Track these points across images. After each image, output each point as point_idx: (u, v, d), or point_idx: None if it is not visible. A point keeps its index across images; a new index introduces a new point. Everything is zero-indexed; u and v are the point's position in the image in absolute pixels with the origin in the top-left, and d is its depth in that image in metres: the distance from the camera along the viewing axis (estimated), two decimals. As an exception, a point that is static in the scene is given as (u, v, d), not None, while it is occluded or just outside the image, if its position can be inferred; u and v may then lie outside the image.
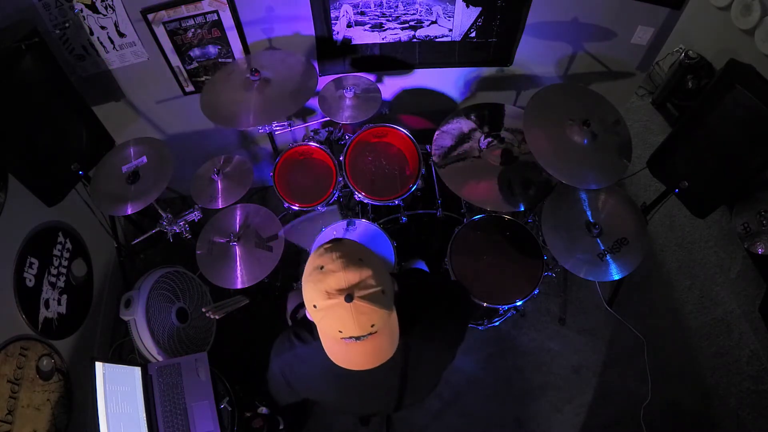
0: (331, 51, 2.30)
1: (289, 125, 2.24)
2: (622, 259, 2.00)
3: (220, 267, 2.05)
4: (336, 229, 2.16)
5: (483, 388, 2.44)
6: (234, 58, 2.25)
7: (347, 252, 0.98)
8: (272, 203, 2.82)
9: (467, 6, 2.15)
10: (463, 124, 2.30)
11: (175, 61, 2.23)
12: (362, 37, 2.26)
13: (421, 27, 2.24)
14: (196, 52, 2.21)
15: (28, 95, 1.83)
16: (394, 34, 2.26)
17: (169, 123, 2.58)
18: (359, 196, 2.21)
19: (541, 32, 2.28)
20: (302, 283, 1.00)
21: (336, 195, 2.24)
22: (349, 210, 2.62)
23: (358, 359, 1.01)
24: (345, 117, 2.20)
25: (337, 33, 2.24)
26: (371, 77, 2.41)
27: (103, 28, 2.05)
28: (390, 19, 2.20)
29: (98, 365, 1.82)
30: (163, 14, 2.04)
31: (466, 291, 1.48)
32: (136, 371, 1.93)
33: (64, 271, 2.24)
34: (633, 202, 2.12)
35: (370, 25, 2.22)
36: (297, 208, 2.21)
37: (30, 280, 2.02)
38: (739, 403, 2.32)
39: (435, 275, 2.19)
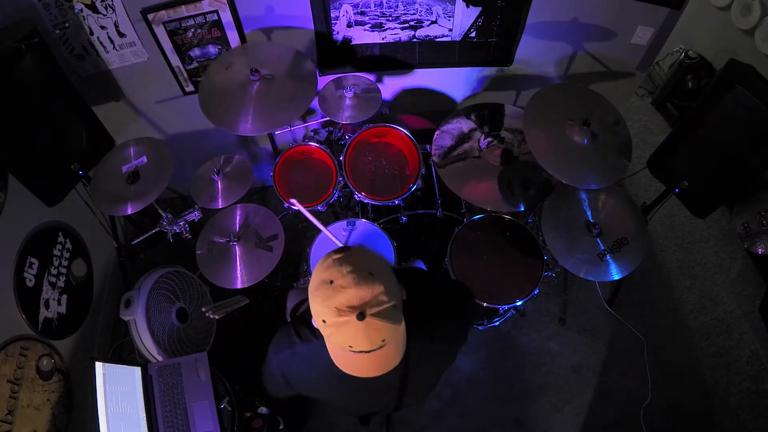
0: (331, 51, 2.30)
1: (289, 125, 2.24)
2: (622, 259, 2.00)
3: (220, 267, 2.05)
4: (336, 229, 2.16)
5: (483, 388, 2.44)
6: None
7: (358, 265, 0.95)
8: (272, 203, 2.82)
9: (467, 6, 2.15)
10: (463, 124, 2.30)
11: (175, 61, 2.23)
12: (362, 37, 2.26)
13: (421, 27, 2.23)
14: (196, 52, 2.21)
15: (28, 95, 1.83)
16: (394, 34, 2.26)
17: (169, 123, 2.58)
18: (359, 196, 2.21)
19: (541, 32, 2.28)
20: (309, 295, 0.98)
21: (336, 195, 2.24)
22: (349, 210, 2.62)
23: (364, 368, 1.01)
24: (345, 117, 2.20)
25: (337, 33, 2.24)
26: (371, 77, 2.41)
27: (103, 28, 2.05)
28: (390, 19, 2.20)
29: (98, 365, 1.82)
30: (163, 14, 2.04)
31: (469, 291, 1.47)
32: (136, 371, 1.92)
33: (64, 271, 2.24)
34: (633, 202, 2.12)
35: (370, 25, 2.22)
36: (297, 208, 2.20)
37: (30, 280, 2.02)
38: (739, 403, 2.32)
39: (435, 275, 2.19)
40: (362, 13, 2.17)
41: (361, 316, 0.90)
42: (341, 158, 2.24)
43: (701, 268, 2.69)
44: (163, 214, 2.17)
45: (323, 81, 2.32)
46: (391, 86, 2.57)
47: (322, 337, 1.04)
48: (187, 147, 2.60)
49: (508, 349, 2.54)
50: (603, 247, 2.01)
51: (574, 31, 2.28)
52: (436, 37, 2.28)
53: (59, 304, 2.17)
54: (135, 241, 2.29)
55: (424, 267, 1.96)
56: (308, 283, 1.00)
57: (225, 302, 1.98)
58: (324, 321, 0.95)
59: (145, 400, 1.87)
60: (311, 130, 2.58)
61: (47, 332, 2.06)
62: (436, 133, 2.28)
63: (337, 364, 1.02)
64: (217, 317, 1.90)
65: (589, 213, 2.07)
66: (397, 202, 2.24)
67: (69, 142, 2.04)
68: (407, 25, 2.22)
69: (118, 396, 1.81)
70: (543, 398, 2.42)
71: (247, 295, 2.05)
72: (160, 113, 2.51)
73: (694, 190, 1.97)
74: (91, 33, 2.06)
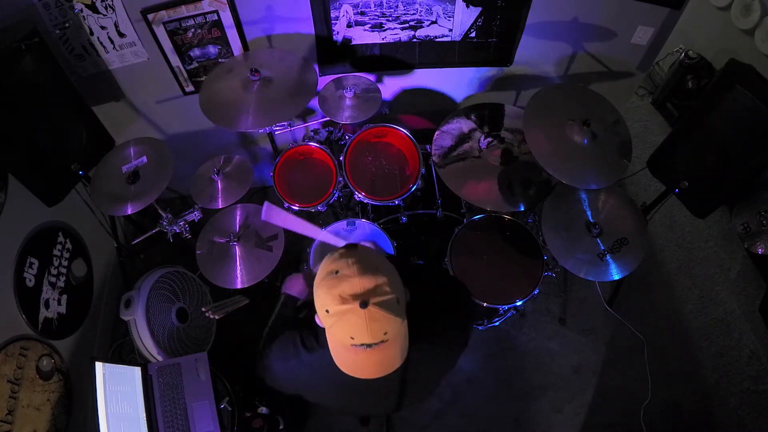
0: (331, 51, 2.30)
1: (289, 125, 2.25)
2: (622, 259, 2.00)
3: (220, 267, 2.05)
4: (336, 229, 2.16)
5: (483, 388, 2.44)
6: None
7: (363, 258, 0.97)
8: (272, 203, 2.82)
9: (467, 6, 2.15)
10: (463, 124, 2.30)
11: (175, 61, 2.23)
12: (362, 37, 2.26)
13: (421, 27, 2.23)
14: (196, 52, 2.21)
15: (28, 95, 1.83)
16: (394, 34, 2.26)
17: (169, 123, 2.58)
18: (359, 196, 2.21)
19: (541, 32, 2.28)
20: (314, 288, 1.00)
21: (336, 195, 2.24)
22: (349, 210, 2.62)
23: (366, 368, 1.01)
24: (345, 117, 2.20)
25: (337, 33, 2.24)
26: (371, 77, 2.41)
27: (103, 28, 2.05)
28: (390, 19, 2.20)
29: (98, 365, 1.82)
30: (163, 14, 2.04)
31: (468, 292, 1.47)
32: (136, 371, 1.92)
33: (64, 271, 2.24)
34: (633, 202, 2.12)
35: (370, 25, 2.22)
36: (297, 208, 2.21)
37: (30, 280, 2.02)
38: (739, 403, 2.32)
39: (436, 275, 2.19)
40: (362, 13, 2.17)
41: (363, 305, 0.91)
42: (341, 158, 2.24)
43: (701, 268, 2.69)
44: (163, 214, 2.17)
45: (323, 81, 2.32)
46: (391, 86, 2.57)
47: (326, 344, 1.04)
48: (187, 147, 2.60)
49: (508, 349, 2.54)
50: (603, 247, 2.01)
51: (574, 31, 2.28)
52: (436, 37, 2.28)
53: (59, 304, 2.17)
54: (135, 241, 2.30)
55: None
56: (309, 269, 1.01)
57: (225, 302, 1.98)
58: (327, 311, 0.95)
59: (145, 400, 1.87)
60: (311, 130, 2.58)
61: (47, 332, 2.06)
62: (436, 133, 2.28)
63: (339, 365, 1.02)
64: (217, 317, 1.90)
65: (589, 213, 2.07)
66: (397, 202, 2.24)
67: (69, 142, 2.04)
68: (407, 25, 2.22)
69: (118, 396, 1.81)
70: (543, 398, 2.42)
71: (247, 295, 2.05)
72: (160, 113, 2.51)
73: (694, 190, 1.97)
74: (91, 33, 2.06)
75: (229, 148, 2.75)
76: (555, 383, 2.45)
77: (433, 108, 2.66)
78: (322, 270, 1.00)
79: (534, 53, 2.38)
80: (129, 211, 1.96)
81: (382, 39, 2.28)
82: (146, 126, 2.54)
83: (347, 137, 2.33)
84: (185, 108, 2.44)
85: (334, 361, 1.03)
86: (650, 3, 2.11)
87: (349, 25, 2.21)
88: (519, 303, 2.06)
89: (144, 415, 1.83)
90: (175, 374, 1.94)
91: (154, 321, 2.09)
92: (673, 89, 3.03)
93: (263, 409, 2.06)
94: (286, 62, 2.13)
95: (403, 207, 2.34)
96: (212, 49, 2.22)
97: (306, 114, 2.63)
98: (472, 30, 2.25)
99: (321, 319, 1.00)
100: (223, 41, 2.18)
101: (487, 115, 2.32)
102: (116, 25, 2.05)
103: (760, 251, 2.13)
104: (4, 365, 1.79)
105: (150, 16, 2.03)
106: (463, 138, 2.26)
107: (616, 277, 1.99)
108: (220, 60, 2.25)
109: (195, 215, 2.20)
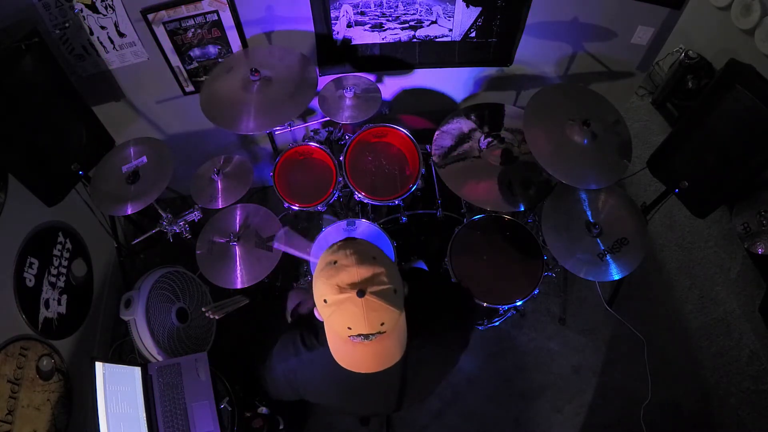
0: (331, 51, 2.30)
1: (289, 125, 2.24)
2: (622, 259, 2.00)
3: (220, 267, 2.05)
4: (336, 229, 2.16)
5: (483, 388, 2.44)
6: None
7: (361, 249, 0.98)
8: (272, 203, 2.82)
9: (467, 6, 2.15)
10: (463, 124, 2.30)
11: (175, 61, 2.23)
12: (362, 37, 2.26)
13: (421, 27, 2.23)
14: (196, 52, 2.21)
15: (28, 95, 1.83)
16: (394, 34, 2.26)
17: (169, 123, 2.58)
18: (359, 196, 2.21)
19: (541, 32, 2.28)
20: (313, 279, 1.00)
21: (336, 195, 2.24)
22: (349, 210, 2.62)
23: (364, 361, 1.01)
24: (345, 117, 2.20)
25: (337, 33, 2.24)
26: (371, 77, 2.41)
27: (103, 28, 2.05)
28: (390, 19, 2.20)
29: (98, 365, 1.82)
30: (163, 14, 2.04)
31: (470, 295, 1.47)
32: (136, 371, 1.92)
33: (64, 271, 2.24)
34: (633, 202, 2.12)
35: (370, 25, 2.22)
36: (297, 208, 2.21)
37: (30, 280, 2.02)
38: (739, 403, 2.32)
39: (436, 276, 2.19)
40: (362, 13, 2.17)
41: (360, 293, 0.91)
42: (341, 158, 2.24)
43: (701, 268, 2.68)
44: (163, 214, 2.17)
45: (323, 81, 2.32)
46: (391, 86, 2.57)
47: (326, 343, 1.04)
48: (187, 147, 2.60)
49: (508, 349, 2.54)
50: (603, 247, 2.01)
51: (574, 31, 2.28)
52: (436, 37, 2.28)
53: (59, 304, 2.17)
54: (135, 241, 2.29)
55: (425, 267, 1.96)
56: (308, 283, 1.01)
57: (225, 302, 1.98)
58: (325, 300, 0.96)
59: (145, 400, 1.87)
60: (311, 130, 2.58)
61: (47, 332, 2.06)
62: (436, 133, 2.28)
63: (337, 359, 1.02)
64: (217, 317, 1.90)
65: (589, 213, 2.07)
66: (397, 202, 2.24)
67: (69, 142, 2.04)
68: (407, 25, 2.22)
69: (118, 396, 1.81)
70: (543, 398, 2.42)
71: (247, 295, 2.05)
72: (160, 113, 2.51)
73: (694, 190, 1.97)
74: (91, 33, 2.06)
75: (229, 148, 2.75)
76: (555, 383, 2.45)
77: (433, 108, 2.66)
78: (320, 262, 1.00)
79: (534, 53, 2.38)
80: (129, 211, 1.96)
81: (382, 39, 2.28)
82: (146, 126, 2.54)
83: (347, 137, 2.33)
84: (185, 108, 2.44)
85: (333, 355, 1.03)
86: (650, 3, 2.11)
87: (349, 25, 2.21)
88: (519, 303, 2.06)
89: (144, 415, 1.83)
90: (175, 374, 1.94)
91: (154, 321, 2.09)
92: (673, 89, 3.03)
93: (263, 409, 2.06)
94: (286, 62, 2.13)
95: (403, 207, 2.34)
96: (212, 49, 2.22)
97: (306, 114, 2.63)
98: (472, 30, 2.25)
99: (319, 309, 1.00)
100: (223, 41, 2.18)
101: (487, 115, 2.32)
102: (116, 25, 2.05)
103: (760, 251, 2.13)
104: (4, 365, 1.79)
105: (150, 16, 2.03)
106: (463, 138, 2.26)
107: (616, 277, 1.99)
108: (219, 60, 2.25)
109: (195, 215, 2.20)
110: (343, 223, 2.18)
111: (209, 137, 2.62)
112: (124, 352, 2.45)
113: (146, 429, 1.81)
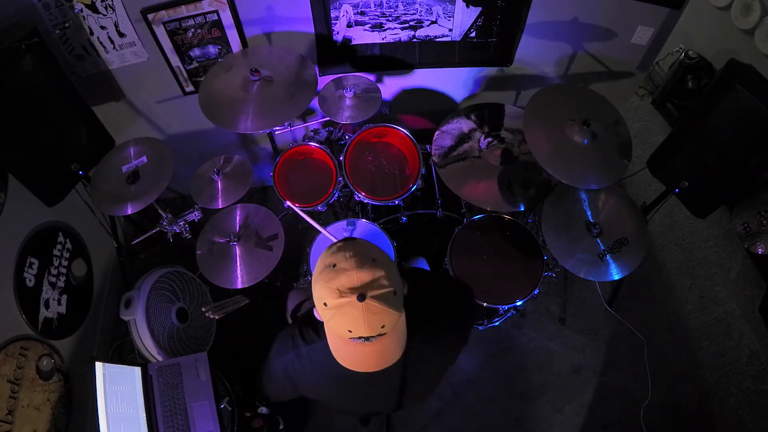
0: (331, 51, 2.30)
1: (289, 125, 2.24)
2: (622, 259, 2.00)
3: (220, 267, 2.05)
4: (336, 229, 2.16)
5: (483, 388, 2.44)
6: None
7: (361, 251, 0.97)
8: (272, 203, 2.82)
9: (467, 6, 2.15)
10: (463, 124, 2.30)
11: (175, 61, 2.23)
12: (362, 37, 2.26)
13: (421, 27, 2.23)
14: (196, 52, 2.21)
15: (28, 95, 1.83)
16: (394, 34, 2.26)
17: (169, 123, 2.58)
18: (359, 196, 2.21)
19: (541, 32, 2.28)
20: (312, 281, 1.00)
21: (336, 195, 2.24)
22: (349, 210, 2.62)
23: (364, 361, 1.01)
24: (345, 117, 2.20)
25: (337, 33, 2.24)
26: (371, 77, 2.41)
27: (103, 28, 2.05)
28: (390, 19, 2.20)
29: (98, 365, 1.82)
30: (163, 14, 2.04)
31: (470, 291, 1.47)
32: (136, 371, 1.92)
33: (64, 271, 2.24)
34: (633, 202, 2.12)
35: (370, 25, 2.22)
36: (297, 208, 2.20)
37: (30, 280, 2.02)
38: (739, 403, 2.32)
39: (437, 275, 2.19)
40: (362, 13, 2.17)
41: (361, 297, 0.91)
42: (341, 158, 2.24)
43: (701, 268, 2.69)
44: (163, 214, 2.17)
45: (323, 81, 2.32)
46: (391, 86, 2.57)
47: (325, 337, 1.04)
48: (187, 147, 2.60)
49: (508, 349, 2.54)
50: (603, 247, 2.01)
51: (574, 31, 2.28)
52: (436, 37, 2.28)
53: (59, 304, 2.17)
54: (135, 241, 2.30)
55: (426, 266, 1.96)
56: (308, 283, 1.01)
57: (225, 302, 1.98)
58: (325, 304, 0.95)
59: (145, 400, 1.87)
60: (311, 130, 2.58)
61: (47, 332, 2.06)
62: (436, 133, 2.28)
63: (337, 358, 1.02)
64: (217, 317, 1.90)
65: (589, 213, 2.07)
66: (397, 202, 2.24)
67: (69, 142, 2.04)
68: (407, 25, 2.22)
69: (118, 396, 1.81)
70: (543, 398, 2.42)
71: (247, 295, 2.05)
72: (160, 113, 2.51)
73: (694, 190, 1.97)
74: (91, 33, 2.06)
75: (229, 148, 2.75)
76: (555, 383, 2.45)
77: (433, 108, 2.66)
78: (319, 263, 1.00)
79: (534, 53, 2.38)
80: (129, 211, 1.96)
81: (382, 39, 2.28)
82: (146, 126, 2.54)
83: (347, 137, 2.33)
84: (185, 108, 2.44)
85: (334, 355, 1.03)
86: (650, 3, 2.11)
87: (349, 25, 2.21)
88: (519, 303, 2.06)
89: (144, 415, 1.83)
90: (175, 374, 1.94)
91: (154, 321, 2.09)
92: (673, 89, 3.03)
93: (263, 409, 2.06)
94: (286, 62, 2.13)
95: (403, 207, 2.34)
96: (212, 49, 2.22)
97: (306, 114, 2.63)
98: (472, 30, 2.25)
99: (319, 312, 1.00)
100: (223, 41, 2.19)
101: (487, 115, 2.32)
102: (116, 25, 2.05)
103: (760, 251, 2.13)
104: (4, 365, 1.79)
105: (150, 16, 2.03)
106: (463, 138, 2.26)
107: (616, 277, 1.99)
108: (220, 60, 2.25)
109: (195, 215, 2.20)
110: (342, 223, 2.18)
111: (209, 137, 2.62)
112: (124, 352, 2.45)
113: (146, 429, 1.80)
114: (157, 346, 2.06)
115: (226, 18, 2.10)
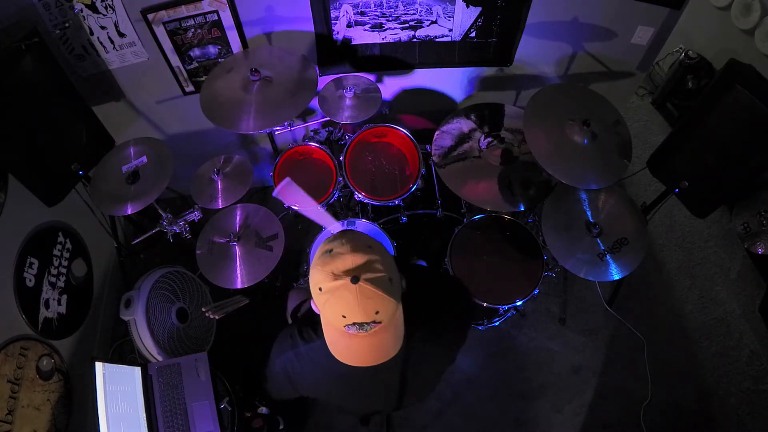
0: (331, 51, 2.30)
1: (289, 125, 2.24)
2: (622, 259, 2.00)
3: (220, 267, 2.05)
4: (336, 229, 2.16)
5: (483, 388, 2.44)
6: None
7: (357, 237, 0.99)
8: (272, 203, 2.82)
9: (467, 6, 2.15)
10: (463, 124, 2.30)
11: (175, 61, 2.23)
12: (362, 37, 2.26)
13: (421, 27, 2.23)
14: (196, 52, 2.21)
15: (28, 95, 1.83)
16: (394, 34, 2.26)
17: (169, 123, 2.58)
18: (359, 196, 2.21)
19: (541, 32, 2.28)
20: (310, 270, 1.00)
21: (336, 195, 2.24)
22: (349, 210, 2.62)
23: (359, 354, 1.00)
24: (345, 117, 2.20)
25: (337, 33, 2.24)
26: (371, 77, 2.41)
27: (103, 28, 2.05)
28: (390, 19, 2.20)
29: (98, 365, 1.82)
30: (163, 14, 2.04)
31: (467, 290, 1.47)
32: (136, 371, 1.92)
33: (64, 271, 2.24)
34: (633, 202, 2.12)
35: (370, 25, 2.22)
36: (297, 208, 2.20)
37: (30, 280, 2.02)
38: (739, 403, 2.32)
39: (436, 274, 2.19)
40: (362, 14, 2.17)
41: (354, 279, 0.91)
42: (341, 158, 2.24)
43: (701, 268, 2.69)
44: (163, 214, 2.17)
45: (323, 81, 2.32)
46: (391, 86, 2.57)
47: (323, 335, 1.04)
48: (187, 147, 2.60)
49: (508, 349, 2.54)
50: (603, 247, 2.01)
51: (574, 31, 2.28)
52: (436, 37, 2.28)
53: (59, 304, 2.17)
54: (135, 241, 2.29)
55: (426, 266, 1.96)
56: (308, 283, 1.01)
57: (225, 302, 1.98)
58: (320, 289, 0.96)
59: (145, 400, 1.87)
60: (311, 130, 2.58)
61: (47, 332, 2.06)
62: (436, 133, 2.28)
63: (334, 353, 1.02)
64: (217, 317, 1.90)
65: (589, 213, 2.07)
66: (397, 202, 2.24)
67: (69, 142, 2.04)
68: (407, 25, 2.22)
69: (118, 396, 1.81)
70: (543, 398, 2.42)
71: (247, 295, 2.05)
72: (160, 113, 2.51)
73: (694, 190, 1.97)
74: (91, 33, 2.06)
75: (229, 148, 2.75)
76: (555, 383, 2.45)
77: (433, 108, 2.66)
78: (317, 253, 1.01)
79: (534, 53, 2.38)
80: (129, 211, 1.96)
81: (382, 39, 2.28)
82: (146, 126, 2.54)
83: (347, 137, 2.33)
84: (185, 108, 2.44)
85: (329, 348, 1.02)
86: (650, 3, 2.11)
87: (349, 25, 2.21)
88: (519, 303, 2.06)
89: (144, 415, 1.83)
90: (175, 374, 1.94)
91: (154, 321, 2.09)
92: (673, 89, 3.04)
93: (263, 409, 2.06)
94: (286, 62, 2.13)
95: (403, 207, 2.34)
96: (212, 49, 2.22)
97: (306, 114, 2.63)
98: (472, 30, 2.25)
99: (315, 299, 1.00)
100: (223, 41, 2.19)
101: (487, 115, 2.32)
102: (116, 25, 2.05)
103: (760, 251, 2.14)
104: (4, 365, 1.79)
105: (150, 16, 2.03)
106: (463, 138, 2.26)
107: (616, 277, 1.99)
108: (219, 60, 2.25)
109: (195, 215, 2.20)
110: (343, 223, 2.18)
111: (209, 137, 2.62)
112: (124, 352, 2.45)
113: (146, 429, 1.81)
114: (157, 346, 2.06)
115: (226, 18, 2.10)
